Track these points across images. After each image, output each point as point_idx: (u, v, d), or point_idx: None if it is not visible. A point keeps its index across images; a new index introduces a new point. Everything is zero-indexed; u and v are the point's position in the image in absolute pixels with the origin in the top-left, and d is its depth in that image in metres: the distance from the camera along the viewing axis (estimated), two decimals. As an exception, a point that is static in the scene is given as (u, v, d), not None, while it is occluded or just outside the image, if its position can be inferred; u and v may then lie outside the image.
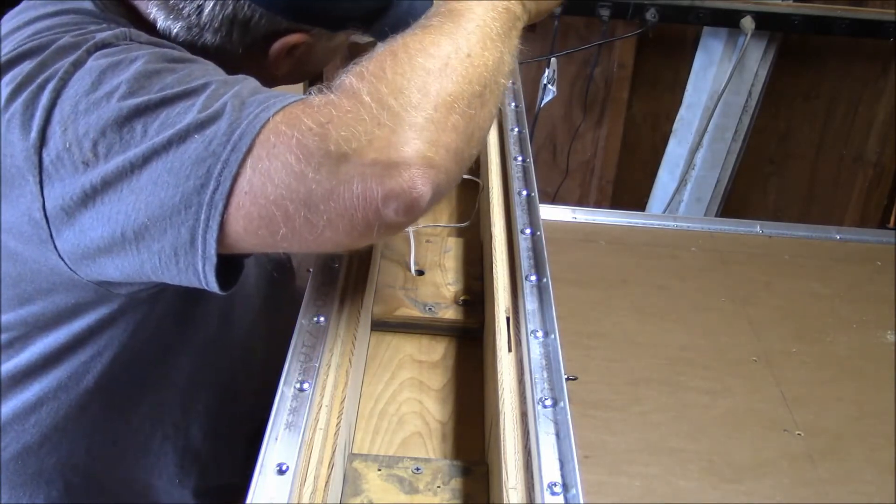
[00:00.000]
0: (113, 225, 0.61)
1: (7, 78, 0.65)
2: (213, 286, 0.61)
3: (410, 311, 0.81)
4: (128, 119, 0.60)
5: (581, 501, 0.50)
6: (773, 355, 1.10)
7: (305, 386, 0.59)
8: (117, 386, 0.81)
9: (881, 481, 0.93)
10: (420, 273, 0.87)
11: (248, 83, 0.63)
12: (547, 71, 2.00)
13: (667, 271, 1.27)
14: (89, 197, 0.61)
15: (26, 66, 0.65)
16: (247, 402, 0.99)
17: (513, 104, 1.01)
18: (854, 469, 0.95)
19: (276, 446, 0.55)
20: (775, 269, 1.29)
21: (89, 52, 0.65)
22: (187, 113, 0.59)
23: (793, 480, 0.93)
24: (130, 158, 0.59)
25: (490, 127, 0.65)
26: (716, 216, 2.33)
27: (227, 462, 0.99)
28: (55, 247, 0.65)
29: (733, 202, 2.37)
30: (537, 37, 2.11)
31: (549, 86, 2.01)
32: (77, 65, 0.64)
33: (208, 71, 0.65)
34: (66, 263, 0.66)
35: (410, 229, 0.89)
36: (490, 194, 0.89)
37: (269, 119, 0.57)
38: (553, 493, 0.51)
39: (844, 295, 1.24)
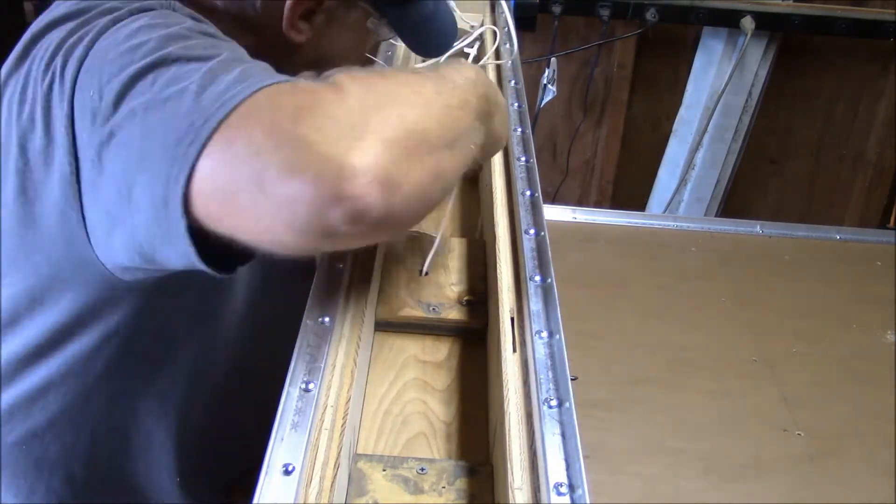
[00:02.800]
0: (116, 182, 0.61)
1: (53, 34, 0.68)
2: (193, 254, 0.59)
3: (414, 312, 0.81)
4: (144, 72, 0.61)
5: (587, 502, 0.50)
6: (773, 355, 1.10)
7: (311, 386, 0.60)
8: (123, 376, 0.81)
9: (881, 481, 0.93)
10: (424, 273, 0.87)
11: (262, 65, 0.63)
12: (547, 71, 2.00)
13: (667, 271, 1.27)
14: (104, 148, 0.61)
15: (70, 24, 0.68)
16: (248, 402, 1.00)
17: (515, 104, 1.01)
18: (854, 469, 0.95)
19: (283, 447, 0.55)
20: (775, 269, 1.30)
21: (131, 13, 0.67)
22: (195, 73, 0.59)
23: (793, 480, 0.93)
24: (134, 107, 0.60)
25: (452, 186, 0.64)
26: (716, 216, 2.33)
27: (226, 462, 1.00)
28: (81, 206, 0.66)
29: (733, 202, 2.37)
30: (537, 37, 2.11)
31: (549, 86, 2.01)
32: (116, 20, 0.66)
33: (235, 50, 0.66)
34: (86, 231, 0.67)
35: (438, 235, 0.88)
36: (493, 195, 0.89)
37: (255, 91, 0.56)
38: (559, 494, 0.51)
39: (844, 295, 1.25)
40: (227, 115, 0.55)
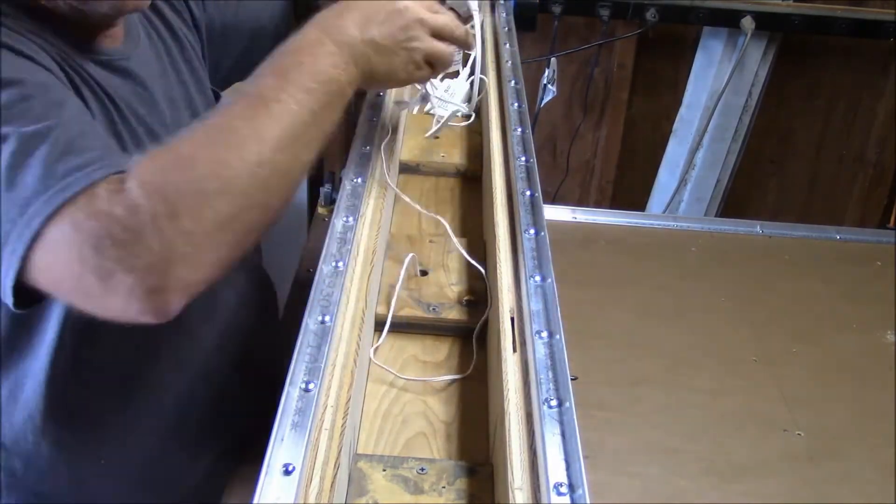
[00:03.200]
0: None
1: None
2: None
3: (414, 312, 0.81)
4: None
5: (587, 502, 0.50)
6: (773, 355, 1.10)
7: (311, 386, 0.59)
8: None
9: (881, 481, 0.93)
10: (424, 273, 0.87)
11: (66, 129, 0.65)
12: (547, 71, 2.00)
13: (667, 271, 1.27)
14: None
15: None
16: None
17: (515, 104, 1.01)
18: (854, 469, 0.95)
19: (283, 447, 0.55)
20: (775, 269, 1.30)
21: None
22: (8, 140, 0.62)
23: (793, 480, 0.93)
24: None
25: (288, 201, 0.70)
26: (716, 216, 2.33)
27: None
28: None
29: (733, 202, 2.37)
30: (537, 37, 2.11)
31: (549, 86, 2.01)
32: None
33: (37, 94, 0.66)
34: None
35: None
36: (493, 195, 0.89)
37: (64, 204, 0.60)
38: (559, 494, 0.51)
39: (844, 295, 1.25)
40: (41, 227, 0.60)
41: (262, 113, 0.66)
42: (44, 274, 0.61)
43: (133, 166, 0.62)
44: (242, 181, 0.63)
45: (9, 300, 0.64)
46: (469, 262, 0.87)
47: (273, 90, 0.68)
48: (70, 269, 0.60)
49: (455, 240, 0.89)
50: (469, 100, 1.16)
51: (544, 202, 0.83)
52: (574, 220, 1.37)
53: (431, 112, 1.21)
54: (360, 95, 0.97)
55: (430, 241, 0.92)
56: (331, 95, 0.72)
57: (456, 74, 1.28)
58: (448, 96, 1.23)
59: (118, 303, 0.61)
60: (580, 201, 2.41)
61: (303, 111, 0.68)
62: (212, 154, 0.63)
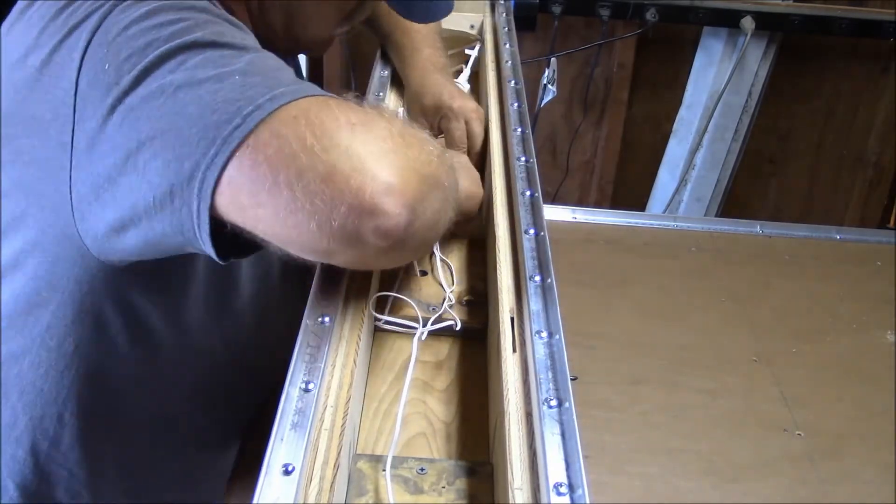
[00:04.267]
0: (123, 151, 0.60)
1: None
2: (206, 236, 0.59)
3: (414, 312, 0.81)
4: (173, 52, 0.59)
5: (587, 502, 0.50)
6: (773, 355, 1.10)
7: (311, 386, 0.60)
8: (93, 357, 0.81)
9: (881, 481, 0.93)
10: (423, 273, 0.87)
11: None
12: (547, 71, 2.00)
13: (667, 271, 1.27)
14: (109, 117, 0.60)
15: None
16: (230, 402, 1.00)
17: (515, 104, 1.01)
18: (854, 469, 0.95)
19: (283, 447, 0.55)
20: (775, 269, 1.29)
21: None
22: (234, 60, 0.59)
23: (793, 480, 0.93)
24: (163, 85, 0.59)
25: (443, 231, 0.68)
26: (716, 216, 2.33)
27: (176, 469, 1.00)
28: (70, 177, 0.64)
29: (733, 202, 2.37)
30: (537, 37, 2.11)
31: (549, 86, 2.01)
32: None
33: (264, 51, 0.65)
34: (71, 200, 0.65)
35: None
36: (493, 195, 0.89)
37: (305, 95, 0.58)
38: (559, 494, 0.51)
39: (844, 295, 1.24)
40: (277, 108, 0.56)
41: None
42: (270, 142, 0.56)
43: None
44: (437, 159, 0.64)
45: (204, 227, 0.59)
46: (469, 263, 0.87)
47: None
48: (303, 141, 0.55)
49: (454, 240, 0.89)
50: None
51: (544, 202, 0.83)
52: (574, 220, 1.36)
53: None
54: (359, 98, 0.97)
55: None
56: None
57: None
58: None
59: (348, 187, 0.55)
60: (580, 201, 2.41)
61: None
62: (423, 138, 0.64)
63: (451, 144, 1.05)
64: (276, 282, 1.03)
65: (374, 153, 0.56)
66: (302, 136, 0.55)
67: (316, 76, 2.15)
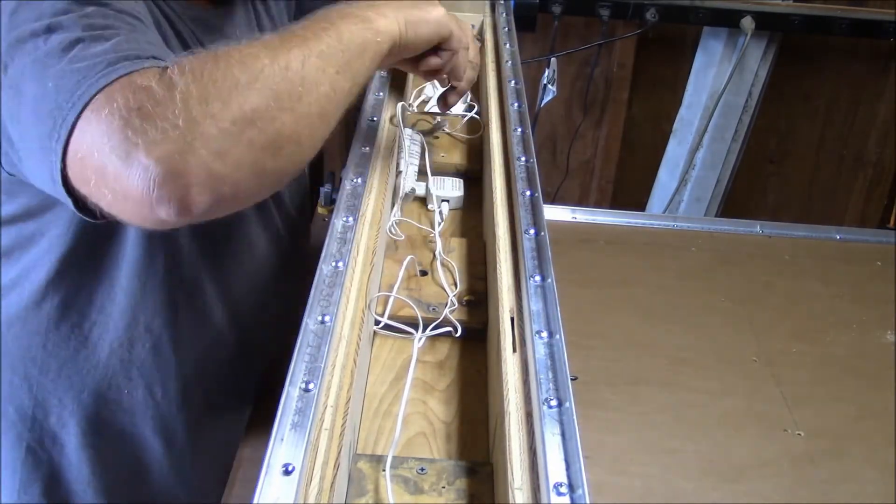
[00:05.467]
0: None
1: None
2: (61, 189, 0.63)
3: (414, 312, 0.81)
4: (37, 33, 0.63)
5: (587, 502, 0.50)
6: (773, 355, 1.10)
7: (311, 386, 0.59)
8: (65, 289, 0.88)
9: (881, 481, 0.93)
10: (423, 273, 0.87)
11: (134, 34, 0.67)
12: (547, 71, 2.00)
13: (667, 271, 1.27)
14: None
15: None
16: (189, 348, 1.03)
17: (515, 104, 1.01)
18: (854, 469, 0.95)
19: (283, 447, 0.55)
20: (775, 269, 1.30)
21: None
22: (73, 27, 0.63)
23: (793, 480, 0.93)
24: (26, 62, 0.63)
25: (321, 135, 0.70)
26: (716, 216, 2.33)
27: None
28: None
29: (733, 202, 2.37)
30: (537, 37, 2.11)
31: (549, 86, 2.01)
32: None
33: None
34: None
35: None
36: (493, 194, 0.89)
37: (109, 84, 0.60)
38: (559, 494, 0.51)
39: (844, 295, 1.24)
40: (87, 103, 0.60)
41: (292, 36, 0.70)
42: (77, 163, 0.61)
43: (178, 58, 0.63)
44: (273, 79, 0.65)
45: (61, 192, 0.64)
46: (469, 263, 0.87)
47: (306, 29, 0.71)
48: (97, 148, 0.60)
49: (454, 239, 0.89)
50: (468, 99, 1.16)
51: (544, 202, 0.83)
52: (574, 220, 1.36)
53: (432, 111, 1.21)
54: (360, 96, 0.97)
55: (430, 241, 0.92)
56: (360, 26, 0.75)
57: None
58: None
59: (138, 186, 0.59)
60: (580, 201, 2.41)
61: (330, 37, 0.71)
62: (246, 54, 0.65)
63: None
64: (285, 249, 1.08)
65: (151, 142, 0.59)
66: (100, 131, 0.60)
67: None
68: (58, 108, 0.61)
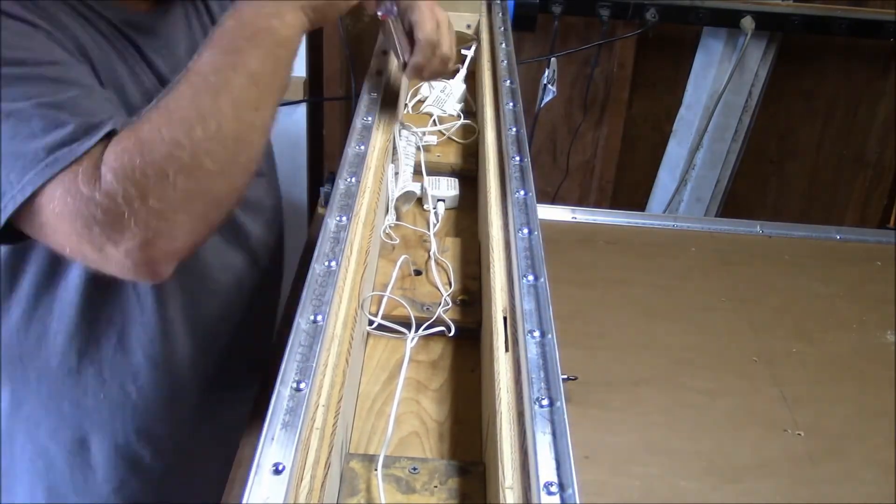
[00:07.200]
0: None
1: None
2: None
3: (408, 311, 0.81)
4: None
5: (577, 501, 0.50)
6: (773, 355, 1.10)
7: (302, 386, 0.59)
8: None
9: (881, 481, 0.93)
10: (417, 273, 0.87)
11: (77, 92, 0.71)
12: (547, 71, 2.00)
13: (667, 271, 1.26)
14: None
15: None
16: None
17: (510, 104, 1.01)
18: (854, 469, 0.94)
19: (273, 446, 0.54)
20: (775, 269, 1.29)
21: None
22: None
23: (793, 480, 0.92)
24: None
25: (257, 158, 0.75)
26: (716, 216, 2.32)
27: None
28: None
29: (733, 202, 2.37)
30: (537, 37, 2.11)
31: (549, 86, 2.00)
32: None
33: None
34: None
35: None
36: (488, 194, 0.88)
37: (61, 171, 0.66)
38: (549, 493, 0.50)
39: (844, 295, 1.24)
40: (40, 188, 0.67)
41: (202, 90, 0.71)
42: (49, 237, 0.69)
43: (106, 153, 0.68)
44: (197, 158, 0.69)
45: None
46: (462, 262, 0.87)
47: (208, 64, 0.73)
48: (70, 238, 0.68)
49: (448, 239, 0.88)
50: (465, 100, 1.16)
51: (544, 202, 0.82)
52: (573, 220, 1.36)
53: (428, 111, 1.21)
54: (357, 95, 0.97)
55: (424, 241, 0.92)
56: (268, 48, 0.75)
57: (453, 75, 1.27)
58: (444, 96, 1.23)
59: (115, 269, 0.69)
60: (580, 201, 2.41)
61: (240, 77, 0.72)
62: (167, 135, 0.69)
63: None
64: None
65: (117, 240, 0.67)
66: (67, 218, 0.67)
67: (316, 76, 2.14)
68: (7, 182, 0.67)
